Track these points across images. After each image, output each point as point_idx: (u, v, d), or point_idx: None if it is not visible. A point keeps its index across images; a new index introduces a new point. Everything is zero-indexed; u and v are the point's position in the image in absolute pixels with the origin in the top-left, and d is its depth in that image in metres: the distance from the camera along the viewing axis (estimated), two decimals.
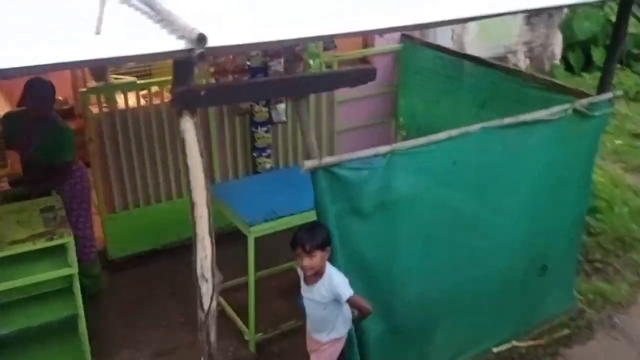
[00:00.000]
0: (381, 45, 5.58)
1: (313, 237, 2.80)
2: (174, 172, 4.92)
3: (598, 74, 9.64)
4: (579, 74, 9.36)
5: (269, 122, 5.10)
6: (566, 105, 3.57)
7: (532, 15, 8.79)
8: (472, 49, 9.17)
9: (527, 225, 3.85)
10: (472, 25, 8.72)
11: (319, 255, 2.81)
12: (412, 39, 5.54)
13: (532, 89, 4.41)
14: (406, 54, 5.58)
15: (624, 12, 3.64)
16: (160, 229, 4.80)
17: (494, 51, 8.96)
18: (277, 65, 4.89)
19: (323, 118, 5.45)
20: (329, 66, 5.29)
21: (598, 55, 9.49)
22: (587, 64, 9.65)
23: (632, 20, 9.61)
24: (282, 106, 5.07)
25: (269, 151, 5.19)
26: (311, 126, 2.93)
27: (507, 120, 3.36)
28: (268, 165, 5.22)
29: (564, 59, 9.52)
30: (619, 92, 3.90)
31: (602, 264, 5.09)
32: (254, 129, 5.08)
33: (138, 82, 5.06)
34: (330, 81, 2.75)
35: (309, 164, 2.76)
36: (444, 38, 9.46)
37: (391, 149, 2.97)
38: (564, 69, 9.38)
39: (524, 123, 3.40)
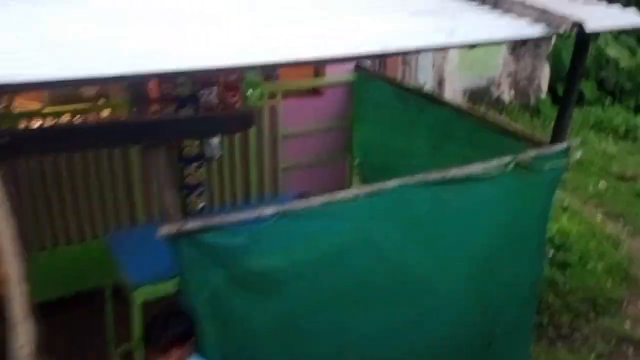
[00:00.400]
0: (334, 75, 5.09)
1: (168, 331, 2.26)
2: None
3: (589, 109, 9.32)
4: None
5: (201, 157, 4.60)
6: (507, 159, 3.05)
7: (518, 45, 8.32)
8: (452, 80, 8.73)
9: (468, 294, 3.31)
10: (452, 54, 8.26)
11: (176, 354, 2.27)
12: (366, 69, 5.06)
13: (486, 131, 3.90)
14: (360, 85, 5.09)
15: (579, 52, 3.14)
16: (58, 276, 4.27)
17: (475, 82, 8.50)
18: (210, 95, 4.42)
19: (265, 153, 4.95)
20: (272, 97, 4.81)
21: (589, 89, 9.00)
22: (579, 98, 9.13)
23: (623, 52, 9.13)
24: (215, 140, 4.58)
25: (201, 189, 4.69)
26: (168, 182, 2.37)
27: (432, 176, 2.85)
28: (200, 206, 4.72)
29: (553, 91, 9.02)
30: (576, 142, 3.37)
31: (569, 329, 4.52)
32: (184, 165, 4.58)
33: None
34: (191, 128, 2.25)
35: (165, 230, 2.25)
36: (425, 69, 9.05)
37: (280, 210, 2.46)
38: (552, 102, 8.87)
39: (454, 180, 2.88)
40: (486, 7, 2.96)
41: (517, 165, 3.08)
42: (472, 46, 2.58)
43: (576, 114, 8.59)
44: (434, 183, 2.82)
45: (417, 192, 2.81)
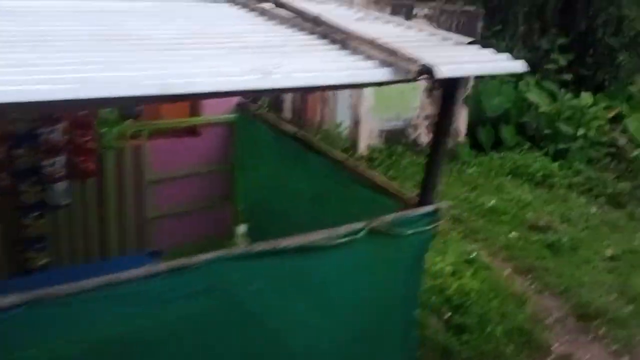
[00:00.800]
0: (212, 113, 4.57)
1: None
2: None
3: (508, 154, 9.15)
4: (487, 153, 8.62)
5: (42, 205, 3.94)
6: (359, 225, 2.57)
7: (434, 88, 8.08)
8: (368, 121, 8.39)
9: None
10: (368, 95, 7.94)
11: None
12: (247, 109, 4.56)
13: (360, 186, 3.44)
14: (242, 126, 4.59)
15: (447, 105, 2.73)
16: None
17: (392, 124, 8.17)
18: (52, 134, 3.80)
19: (127, 200, 4.33)
20: (135, 137, 4.23)
21: (508, 133, 8.83)
22: (498, 142, 8.94)
23: (543, 97, 9.03)
24: (60, 185, 3.94)
25: (43, 243, 4.02)
26: None
27: (260, 246, 2.33)
28: (42, 262, 4.03)
29: (473, 135, 8.81)
30: (445, 204, 2.93)
31: None
32: (20, 215, 3.91)
33: None
34: None
35: None
36: (343, 109, 8.70)
37: (29, 298, 1.86)
38: (470, 146, 8.65)
39: (287, 249, 2.37)
40: (335, 46, 2.51)
41: (373, 230, 2.60)
42: (298, 89, 2.11)
43: (494, 160, 8.41)
44: (257, 255, 2.30)
45: (236, 266, 2.27)
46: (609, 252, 6.22)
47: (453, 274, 5.30)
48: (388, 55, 2.28)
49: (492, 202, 7.09)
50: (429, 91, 8.12)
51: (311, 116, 9.50)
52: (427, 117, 8.26)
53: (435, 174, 2.82)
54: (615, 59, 9.67)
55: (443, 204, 2.85)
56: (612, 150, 8.36)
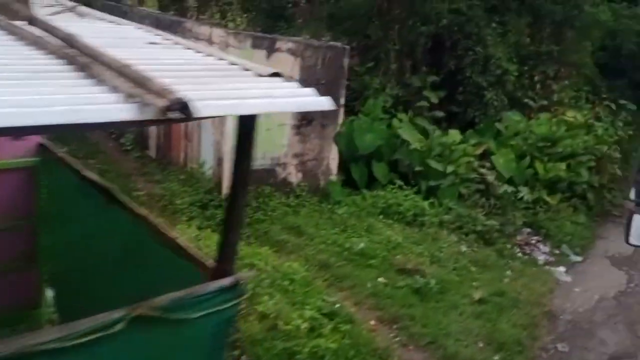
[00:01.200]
0: (7, 156, 3.75)
1: None
2: None
3: (381, 192, 8.91)
4: (361, 192, 8.29)
5: None
6: (120, 312, 1.91)
7: (303, 125, 7.68)
8: (232, 160, 7.78)
9: None
10: (230, 131, 7.38)
11: None
12: (48, 150, 3.80)
13: (162, 247, 2.80)
14: (44, 171, 3.81)
15: (243, 148, 2.19)
16: None
17: (259, 163, 7.61)
18: None
19: None
20: None
21: (381, 171, 8.58)
22: (373, 180, 8.67)
23: (415, 134, 8.90)
24: None
25: None
26: None
27: None
28: None
29: (347, 173, 8.49)
30: (248, 274, 2.37)
31: None
32: None
33: None
34: None
35: None
36: (208, 147, 8.06)
37: None
38: (344, 185, 8.30)
39: None
40: (79, 73, 1.89)
41: (141, 318, 1.96)
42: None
43: (367, 198, 8.08)
44: None
45: None
46: (477, 294, 6.00)
47: (310, 330, 4.76)
48: (135, 86, 1.70)
49: (362, 244, 6.70)
50: (297, 128, 7.71)
51: (175, 154, 8.77)
52: (296, 156, 7.82)
53: (235, 235, 2.25)
54: (484, 96, 9.86)
55: (245, 275, 2.27)
56: (481, 186, 8.36)
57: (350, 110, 8.89)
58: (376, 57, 10.14)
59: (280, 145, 7.60)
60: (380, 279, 6.06)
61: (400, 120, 9.21)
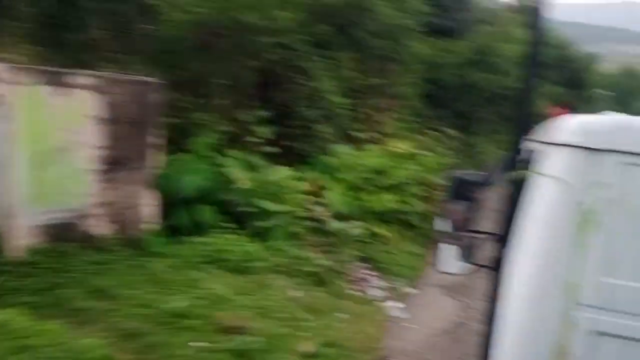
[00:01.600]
0: None
1: None
2: None
3: (209, 239, 8.18)
4: (186, 240, 7.47)
5: None
6: None
7: (109, 169, 6.76)
8: (21, 215, 6.62)
9: None
10: (15, 182, 6.24)
11: None
12: None
13: None
14: None
15: None
16: None
17: (57, 216, 6.53)
18: None
19: None
20: None
21: (207, 214, 7.86)
22: (200, 225, 7.91)
23: (244, 172, 8.30)
24: None
25: None
26: None
27: None
28: None
29: (169, 220, 7.65)
30: None
31: None
32: None
33: None
34: None
35: None
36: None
37: None
38: (167, 233, 7.44)
39: None
40: None
41: None
42: None
43: (194, 246, 7.30)
44: None
45: None
46: (304, 347, 5.49)
47: None
48: None
49: (180, 303, 5.90)
50: (103, 173, 6.76)
51: None
52: (104, 205, 6.84)
53: None
54: (313, 130, 9.67)
55: None
56: (314, 224, 8.01)
57: (179, 150, 8.14)
58: (205, 92, 9.54)
59: (80, 195, 6.58)
60: (198, 344, 5.31)
61: (229, 158, 8.62)
